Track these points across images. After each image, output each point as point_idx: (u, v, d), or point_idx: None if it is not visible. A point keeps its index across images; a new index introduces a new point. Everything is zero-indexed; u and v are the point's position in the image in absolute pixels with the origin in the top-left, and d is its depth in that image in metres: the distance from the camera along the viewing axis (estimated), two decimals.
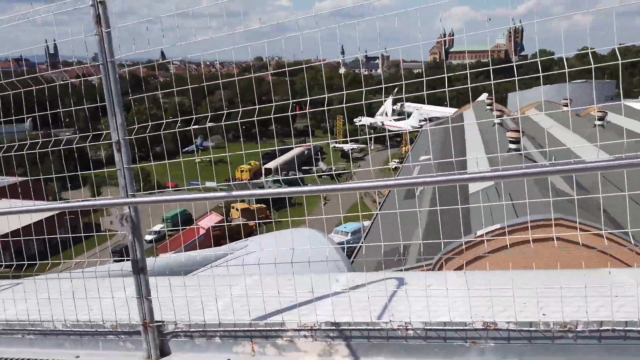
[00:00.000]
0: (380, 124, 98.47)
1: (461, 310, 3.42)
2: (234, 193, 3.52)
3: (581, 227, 14.38)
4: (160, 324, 3.74)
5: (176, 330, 3.74)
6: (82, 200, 4.40)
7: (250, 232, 59.92)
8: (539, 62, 2.78)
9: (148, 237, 50.56)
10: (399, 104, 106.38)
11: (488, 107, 54.44)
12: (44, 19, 2.91)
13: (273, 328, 3.57)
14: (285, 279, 4.13)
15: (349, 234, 49.22)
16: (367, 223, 49.75)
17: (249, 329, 3.61)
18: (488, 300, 3.42)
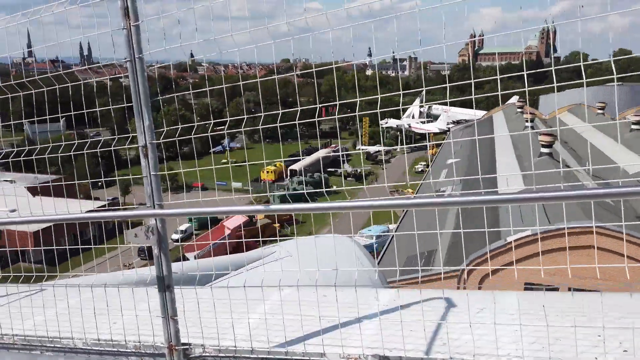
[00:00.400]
0: (407, 127, 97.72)
1: (526, 343, 2.95)
2: (252, 208, 3.12)
3: (620, 236, 13.88)
4: (187, 347, 3.44)
5: (204, 354, 3.42)
6: (105, 210, 4.03)
7: (273, 233, 60.14)
8: (582, 65, 2.58)
9: (175, 236, 51.34)
10: (426, 106, 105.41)
11: (519, 110, 53.41)
12: (78, 20, 2.96)
13: (312, 359, 3.19)
14: (320, 294, 3.76)
15: (374, 237, 49.05)
16: (392, 226, 49.43)
17: (285, 357, 3.25)
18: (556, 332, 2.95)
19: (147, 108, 3.23)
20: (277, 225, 55.51)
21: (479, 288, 16.84)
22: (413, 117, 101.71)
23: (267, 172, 77.55)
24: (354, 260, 5.88)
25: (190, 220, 56.76)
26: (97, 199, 56.49)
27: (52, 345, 3.81)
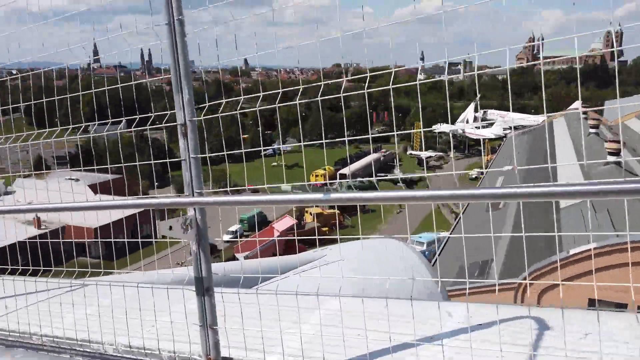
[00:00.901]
0: (461, 132, 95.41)
1: None
2: (308, 196, 2.84)
3: None
4: None
5: None
6: (138, 198, 3.65)
7: (323, 236, 60.26)
8: None
9: (226, 237, 52.56)
10: (481, 111, 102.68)
11: (582, 116, 50.97)
12: (140, 29, 3.09)
13: None
14: (380, 305, 3.27)
15: (425, 245, 48.04)
16: (443, 234, 48.28)
17: None
18: None
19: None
20: (325, 228, 55.72)
21: (538, 303, 16.11)
22: (467, 122, 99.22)
23: (317, 175, 78.01)
24: (411, 267, 5.43)
25: (240, 221, 58.01)
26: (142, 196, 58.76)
27: (82, 350, 3.55)
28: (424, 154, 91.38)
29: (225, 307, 3.04)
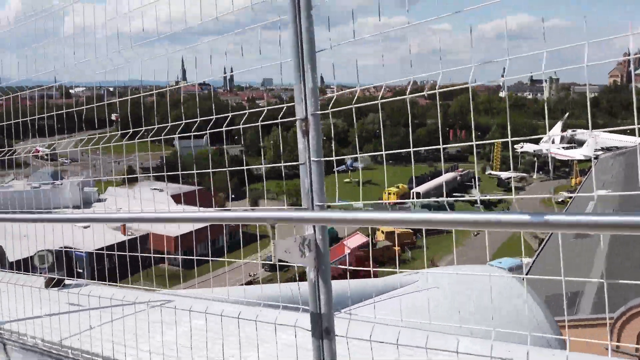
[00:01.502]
0: (546, 152, 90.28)
1: None
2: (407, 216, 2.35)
3: None
4: None
5: None
6: (244, 210, 3.26)
7: (394, 256, 58.84)
8: None
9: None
10: (569, 131, 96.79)
11: None
12: (224, 48, 3.25)
13: None
14: (485, 346, 2.69)
15: (506, 271, 44.91)
16: (526, 260, 45.40)
17: None
18: None
19: (311, 64, 2.31)
20: (397, 248, 54.64)
21: (638, 343, 14.42)
22: (553, 142, 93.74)
23: (389, 193, 76.89)
24: (517, 300, 4.71)
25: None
26: (229, 210, 61.14)
27: None
28: (505, 175, 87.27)
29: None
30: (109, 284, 4.62)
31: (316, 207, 2.41)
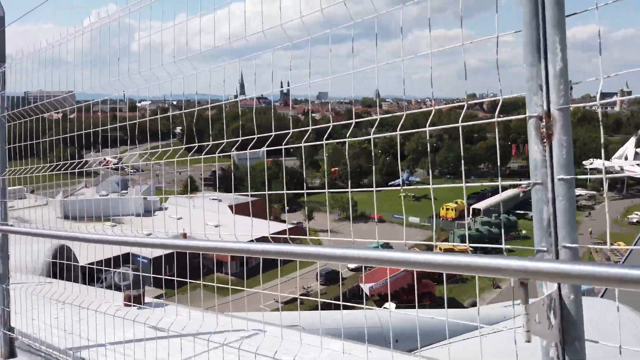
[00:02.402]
0: (618, 169, 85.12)
1: None
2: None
3: None
4: None
5: None
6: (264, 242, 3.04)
7: (452, 275, 57.02)
8: None
9: (351, 265, 52.86)
10: None
11: None
12: (279, 63, 3.30)
13: None
14: None
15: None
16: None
17: None
18: None
19: (560, 34, 1.70)
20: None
21: None
22: (626, 159, 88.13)
23: (448, 209, 74.55)
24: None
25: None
26: (283, 221, 61.84)
27: None
28: None
29: None
30: (189, 307, 4.38)
31: (563, 249, 1.69)
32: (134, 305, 4.77)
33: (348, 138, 2.40)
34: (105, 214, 4.77)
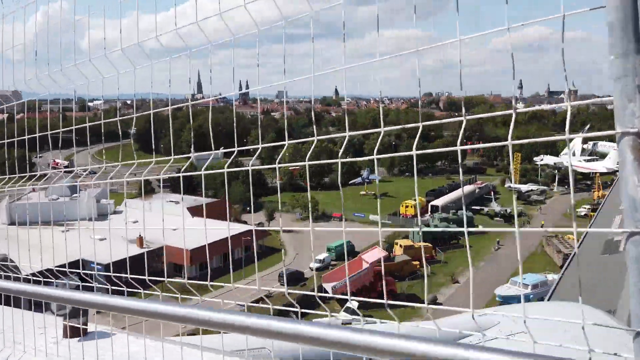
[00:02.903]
0: (566, 164, 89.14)
1: None
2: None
3: None
4: None
5: None
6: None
7: (413, 271, 57.89)
8: None
9: (313, 265, 52.76)
10: (590, 143, 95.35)
11: None
12: (236, 61, 3.26)
13: None
14: None
15: (529, 287, 43.55)
16: (551, 276, 44.19)
17: None
18: None
19: None
20: (416, 262, 53.57)
21: None
22: (574, 155, 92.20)
23: (407, 206, 75.62)
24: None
25: (328, 250, 58.04)
26: (244, 222, 61.27)
27: None
28: (525, 187, 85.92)
29: None
30: (141, 335, 3.79)
31: None
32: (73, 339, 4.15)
33: (315, 137, 2.31)
34: (55, 219, 4.53)
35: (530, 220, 73.77)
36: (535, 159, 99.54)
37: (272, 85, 2.80)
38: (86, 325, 4.35)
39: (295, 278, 50.81)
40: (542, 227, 64.83)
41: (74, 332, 4.20)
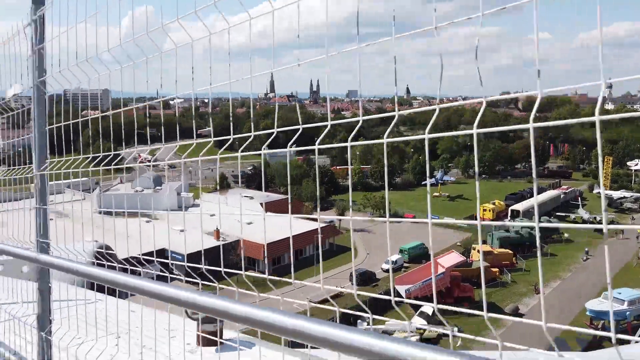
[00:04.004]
0: None
1: None
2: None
3: None
4: None
5: None
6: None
7: (492, 278, 54.86)
8: None
9: (385, 266, 52.05)
10: None
11: None
12: (309, 62, 3.27)
13: None
14: None
15: (625, 303, 40.14)
16: None
17: None
18: None
19: None
20: (495, 269, 51.06)
21: None
22: None
23: (485, 209, 71.82)
24: None
25: (401, 251, 57.04)
26: (315, 220, 61.96)
27: None
28: (617, 194, 79.02)
29: None
30: (281, 348, 3.20)
31: None
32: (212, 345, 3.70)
33: (385, 138, 2.24)
34: (141, 208, 4.80)
35: (623, 231, 67.88)
36: (629, 163, 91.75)
37: (342, 81, 2.78)
38: (221, 332, 3.84)
39: (367, 278, 50.32)
40: (638, 238, 59.71)
41: (209, 341, 3.72)
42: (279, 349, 3.42)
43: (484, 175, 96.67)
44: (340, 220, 65.62)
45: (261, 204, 50.65)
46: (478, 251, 54.18)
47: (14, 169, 3.14)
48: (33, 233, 3.04)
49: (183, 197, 51.90)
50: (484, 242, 58.21)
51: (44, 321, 2.92)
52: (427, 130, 1.45)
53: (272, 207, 52.10)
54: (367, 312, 1.55)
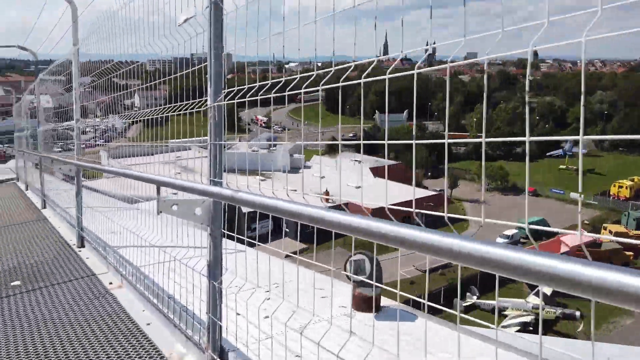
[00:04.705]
0: None
1: None
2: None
3: None
4: None
5: None
6: None
7: (625, 262, 49.69)
8: None
9: (500, 240, 49.48)
10: None
11: None
12: (423, 23, 3.11)
13: None
14: None
15: None
16: None
17: None
18: None
19: None
20: (629, 253, 45.73)
21: None
22: None
23: (621, 186, 63.76)
24: None
25: (518, 228, 53.52)
26: (425, 187, 60.67)
27: None
28: None
29: None
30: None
31: None
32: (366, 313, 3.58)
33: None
34: (256, 169, 5.03)
35: None
36: None
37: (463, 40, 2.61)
38: (379, 298, 3.73)
39: None
40: None
41: (366, 305, 3.63)
42: (448, 325, 3.27)
43: (620, 148, 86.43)
44: (451, 190, 63.49)
45: (370, 168, 50.74)
46: (610, 232, 49.11)
47: (187, 103, 3.04)
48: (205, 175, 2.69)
49: (295, 158, 53.83)
50: (618, 222, 52.63)
51: (215, 270, 2.67)
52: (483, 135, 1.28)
53: (380, 171, 51.96)
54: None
